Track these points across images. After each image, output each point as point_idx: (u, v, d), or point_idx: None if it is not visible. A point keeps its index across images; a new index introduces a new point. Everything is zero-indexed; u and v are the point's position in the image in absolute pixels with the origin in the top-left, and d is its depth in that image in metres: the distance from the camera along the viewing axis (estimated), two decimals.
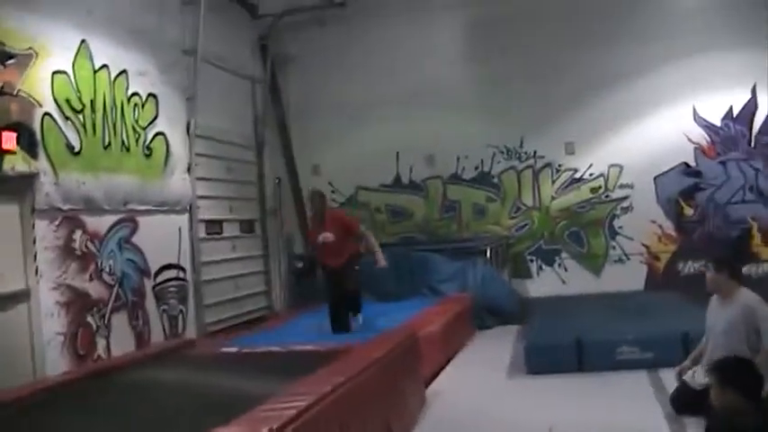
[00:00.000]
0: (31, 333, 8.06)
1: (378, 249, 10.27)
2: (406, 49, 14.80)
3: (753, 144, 13.90)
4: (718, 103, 13.95)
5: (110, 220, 9.47)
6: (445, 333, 9.89)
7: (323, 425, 4.81)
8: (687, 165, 14.08)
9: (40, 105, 8.35)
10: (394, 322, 9.64)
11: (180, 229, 11.11)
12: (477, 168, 14.89)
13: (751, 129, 13.90)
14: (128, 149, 9.90)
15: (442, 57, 14.86)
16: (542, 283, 14.48)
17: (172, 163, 10.94)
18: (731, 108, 13.93)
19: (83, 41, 9.14)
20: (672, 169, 14.12)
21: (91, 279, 8.96)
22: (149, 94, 10.52)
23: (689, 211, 14.11)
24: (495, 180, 14.83)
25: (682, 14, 14.00)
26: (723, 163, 14.00)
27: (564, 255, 14.61)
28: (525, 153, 14.73)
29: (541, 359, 8.71)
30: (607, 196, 14.41)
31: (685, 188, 14.12)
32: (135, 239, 9.98)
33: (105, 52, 9.55)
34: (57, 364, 8.15)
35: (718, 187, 13.99)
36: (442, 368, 9.36)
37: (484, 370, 9.27)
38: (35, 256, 8.14)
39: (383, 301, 12.36)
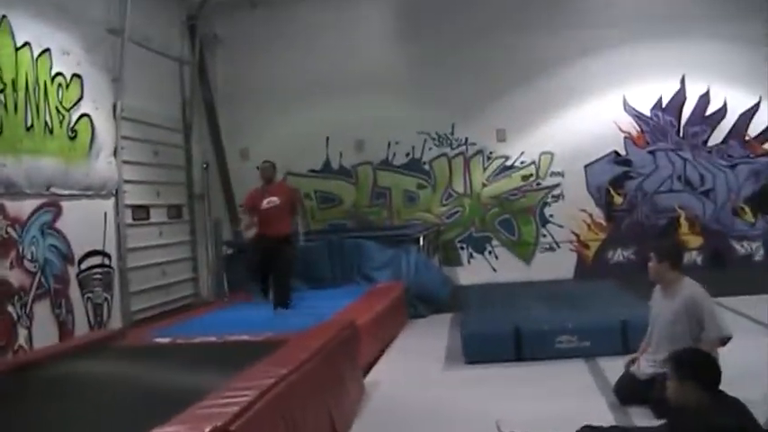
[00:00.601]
0: None
1: (301, 231, 10.92)
2: (337, 33, 14.57)
3: (681, 134, 14.11)
4: (648, 93, 14.15)
5: (32, 204, 9.03)
6: (380, 322, 9.75)
7: (267, 419, 4.61)
8: (617, 153, 14.24)
9: None
10: (328, 310, 9.46)
11: (105, 215, 10.71)
12: (408, 155, 14.78)
13: (680, 119, 14.12)
14: (51, 131, 9.46)
15: (373, 42, 14.71)
16: (473, 271, 14.46)
17: (97, 146, 10.51)
18: (661, 98, 14.13)
19: (3, 17, 8.64)
20: (602, 158, 14.26)
21: (12, 266, 8.50)
22: (74, 75, 10.06)
23: (618, 200, 14.27)
24: (426, 167, 14.75)
25: (614, 4, 14.07)
26: (652, 152, 14.18)
27: (495, 242, 14.62)
28: (456, 140, 14.68)
29: (480, 348, 8.62)
30: (538, 184, 14.46)
31: (615, 177, 14.28)
32: (58, 225, 9.54)
33: (28, 29, 9.06)
34: None
35: (647, 176, 14.17)
36: (378, 357, 9.21)
37: (421, 359, 9.14)
38: None
39: (316, 288, 12.15)
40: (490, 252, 14.61)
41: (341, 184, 14.92)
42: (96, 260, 10.40)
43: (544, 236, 14.47)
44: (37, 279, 8.97)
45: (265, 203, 10.46)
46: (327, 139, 14.81)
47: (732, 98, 13.97)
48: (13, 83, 8.76)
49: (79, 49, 10.22)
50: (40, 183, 9.17)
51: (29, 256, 8.86)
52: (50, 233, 9.37)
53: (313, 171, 14.88)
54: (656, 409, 5.99)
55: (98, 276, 10.41)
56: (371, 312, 9.58)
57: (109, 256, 10.71)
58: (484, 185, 14.61)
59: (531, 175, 14.46)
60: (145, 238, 11.96)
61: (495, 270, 14.49)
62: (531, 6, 14.09)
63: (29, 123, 9.02)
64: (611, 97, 14.11)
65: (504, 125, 14.42)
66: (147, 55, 12.27)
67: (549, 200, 14.44)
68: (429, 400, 7.26)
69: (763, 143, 14.01)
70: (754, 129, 14.02)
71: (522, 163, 14.47)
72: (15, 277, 8.55)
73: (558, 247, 14.42)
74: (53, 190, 9.43)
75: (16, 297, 8.54)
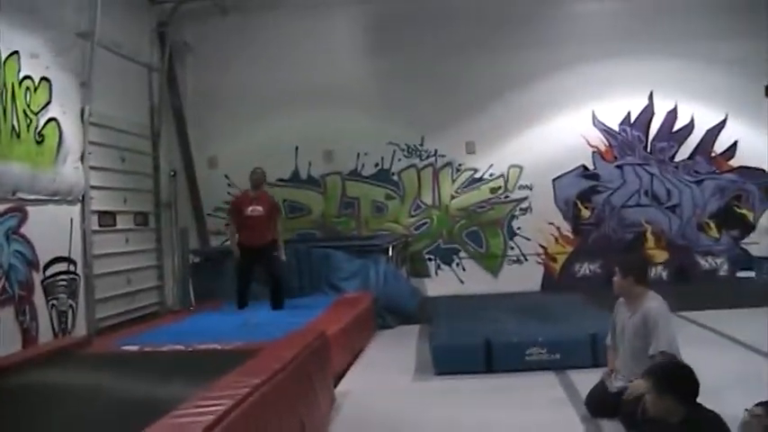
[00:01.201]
0: None
1: (282, 242, 11.04)
2: (307, 43, 14.52)
3: (649, 149, 14.24)
4: (617, 108, 14.29)
5: None
6: (350, 332, 9.68)
7: (242, 429, 4.53)
8: (585, 168, 14.33)
9: None
10: (298, 319, 9.39)
11: (71, 221, 10.56)
12: (377, 165, 14.76)
13: (647, 134, 14.27)
14: (18, 135, 9.32)
15: (343, 52, 14.68)
16: (440, 283, 14.46)
17: (64, 151, 10.37)
18: (629, 114, 14.26)
19: None
20: (570, 172, 14.34)
21: None
22: (42, 78, 9.93)
23: (586, 214, 14.34)
24: (395, 178, 14.75)
25: (584, 21, 14.29)
26: (620, 167, 14.30)
27: (462, 254, 14.64)
28: (426, 151, 14.69)
29: (450, 360, 8.59)
30: (506, 197, 14.51)
31: (583, 190, 14.36)
32: (24, 230, 9.38)
33: None
34: None
35: (615, 190, 14.27)
36: (347, 368, 9.14)
37: (391, 370, 9.08)
38: None
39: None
40: (458, 264, 14.62)
41: (309, 194, 14.85)
42: (62, 266, 10.25)
43: (512, 248, 14.51)
44: (1, 285, 8.81)
45: (249, 210, 10.76)
46: (297, 148, 14.76)
47: (699, 115, 14.15)
48: None
49: (48, 52, 10.09)
50: (6, 187, 9.02)
51: None
52: (15, 239, 9.22)
53: (282, 180, 14.78)
54: (626, 421, 6.01)
55: (63, 283, 10.26)
56: (341, 322, 9.51)
57: (74, 263, 10.56)
58: (452, 197, 14.63)
59: (500, 187, 14.51)
60: (111, 245, 11.83)
61: (462, 282, 14.50)
62: (501, 23, 14.16)
63: None
64: (581, 112, 14.22)
65: (473, 138, 14.46)
66: (116, 60, 12.16)
67: (517, 212, 14.49)
68: (400, 410, 7.22)
69: (728, 159, 14.19)
70: (720, 145, 14.19)
71: (490, 175, 14.51)
72: None
73: (526, 259, 14.48)
74: (19, 195, 9.28)
75: None
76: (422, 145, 14.67)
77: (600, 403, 6.56)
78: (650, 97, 14.19)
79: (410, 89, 14.32)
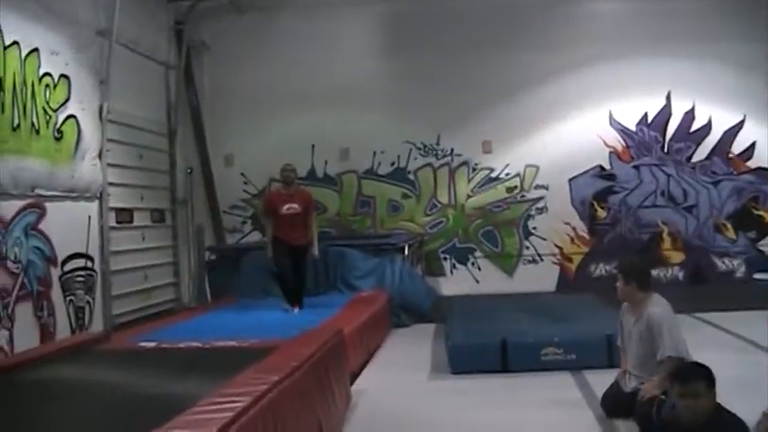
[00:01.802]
0: None
1: (316, 239, 10.91)
2: (324, 41, 14.54)
3: (666, 150, 14.18)
4: (634, 108, 14.22)
5: (16, 205, 8.97)
6: (365, 330, 9.69)
7: (261, 425, 4.55)
8: (602, 168, 14.28)
9: None
10: (314, 317, 9.42)
11: (89, 217, 10.66)
12: (393, 164, 14.74)
13: (664, 135, 14.19)
14: (37, 132, 9.39)
15: (359, 50, 14.69)
16: (455, 282, 14.44)
17: (82, 148, 10.46)
18: (646, 114, 14.20)
19: None
20: (586, 172, 14.29)
21: None
22: (61, 75, 10.03)
23: (602, 214, 14.30)
24: (411, 176, 14.73)
25: (601, 21, 14.23)
26: (636, 167, 14.24)
27: (477, 254, 14.61)
28: (442, 150, 14.67)
29: (466, 359, 8.59)
30: (522, 196, 14.48)
31: (599, 191, 14.31)
32: (42, 226, 9.48)
33: (16, 28, 9.00)
34: None
35: (631, 191, 14.22)
36: (363, 366, 9.16)
37: (407, 368, 9.10)
38: None
39: None
40: (473, 263, 14.60)
41: (325, 192, 14.84)
42: (79, 263, 10.33)
43: (527, 248, 14.48)
44: (19, 280, 8.89)
45: (285, 209, 10.51)
46: (313, 146, 14.76)
47: (717, 115, 14.07)
48: (1, 82, 8.69)
49: (67, 49, 10.19)
50: (25, 184, 9.10)
51: (12, 258, 8.78)
52: (34, 234, 9.30)
53: (298, 179, 14.72)
54: (641, 422, 5.99)
55: (80, 279, 10.34)
56: (356, 321, 9.53)
57: (92, 259, 10.65)
58: (468, 197, 14.61)
59: (516, 187, 14.48)
60: (128, 242, 11.92)
61: (477, 281, 14.49)
62: (519, 22, 14.16)
63: (15, 123, 8.96)
64: (598, 112, 14.18)
65: (490, 137, 14.44)
66: (134, 58, 12.26)
67: (532, 212, 14.46)
68: (415, 409, 7.22)
69: (746, 161, 14.11)
70: (738, 146, 14.11)
71: (506, 175, 14.49)
72: None
73: (541, 259, 14.44)
74: (38, 191, 9.36)
75: None
76: (438, 144, 14.66)
77: (615, 404, 6.55)
78: (668, 97, 14.13)
79: (427, 88, 14.30)
